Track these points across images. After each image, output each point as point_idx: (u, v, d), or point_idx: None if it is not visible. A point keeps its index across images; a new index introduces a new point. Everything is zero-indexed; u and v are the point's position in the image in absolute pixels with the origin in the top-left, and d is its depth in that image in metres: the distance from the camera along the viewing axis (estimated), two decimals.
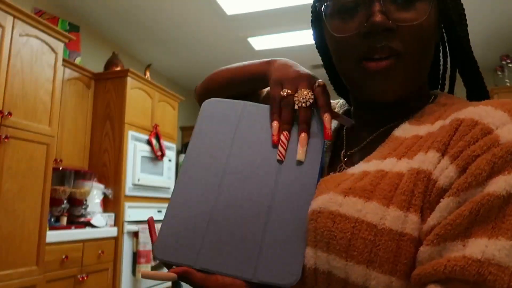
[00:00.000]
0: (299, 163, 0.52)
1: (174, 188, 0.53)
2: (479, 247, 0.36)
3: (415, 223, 0.41)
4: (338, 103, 0.70)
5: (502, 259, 0.35)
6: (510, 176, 0.38)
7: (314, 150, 0.53)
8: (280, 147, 0.53)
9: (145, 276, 0.45)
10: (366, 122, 0.57)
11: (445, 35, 0.58)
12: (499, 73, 4.36)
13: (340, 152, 0.58)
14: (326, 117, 0.52)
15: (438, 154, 0.42)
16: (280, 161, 0.53)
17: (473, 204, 0.38)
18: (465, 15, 0.54)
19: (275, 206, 0.50)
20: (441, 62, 0.62)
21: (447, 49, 0.59)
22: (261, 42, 4.18)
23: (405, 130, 0.50)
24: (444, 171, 0.41)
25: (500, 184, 0.37)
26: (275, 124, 0.54)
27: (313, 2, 0.58)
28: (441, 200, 0.40)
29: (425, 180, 0.42)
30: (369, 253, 0.41)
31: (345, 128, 0.61)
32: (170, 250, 0.49)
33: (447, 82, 0.62)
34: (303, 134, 0.52)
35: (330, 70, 0.67)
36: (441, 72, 0.62)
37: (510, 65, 4.20)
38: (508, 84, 4.19)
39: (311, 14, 0.60)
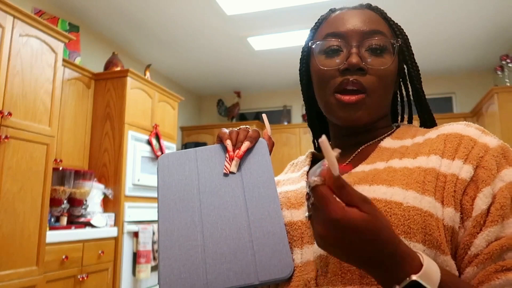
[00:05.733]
0: (231, 173, 0.62)
1: (159, 234, 0.59)
2: None
3: (430, 203, 0.52)
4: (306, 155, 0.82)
5: None
6: (510, 169, 0.53)
7: (264, 164, 0.63)
8: (226, 163, 0.63)
9: (323, 143, 0.40)
10: (343, 147, 0.70)
11: (403, 82, 0.75)
12: (499, 73, 4.36)
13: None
14: (246, 143, 0.64)
15: (438, 156, 0.56)
16: (226, 174, 0.63)
17: (508, 191, 0.51)
18: (418, 68, 0.70)
19: (252, 219, 0.58)
20: (399, 99, 0.79)
21: (406, 92, 0.75)
22: (261, 42, 4.18)
23: (391, 143, 0.64)
24: (461, 169, 0.54)
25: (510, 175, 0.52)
26: (228, 141, 0.64)
27: (306, 42, 0.72)
28: (482, 190, 0.52)
29: (433, 173, 0.54)
30: (403, 225, 0.50)
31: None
32: (176, 283, 0.55)
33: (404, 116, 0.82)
34: (242, 145, 0.63)
35: (308, 105, 0.79)
36: (400, 110, 0.79)
37: (510, 65, 4.20)
38: (508, 84, 4.19)
39: (301, 53, 0.74)
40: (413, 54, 0.71)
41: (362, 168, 0.61)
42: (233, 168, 0.63)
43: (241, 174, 0.63)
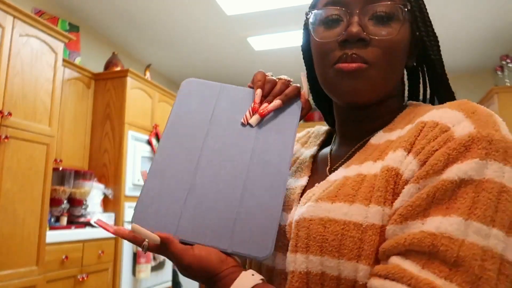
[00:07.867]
0: (249, 125, 0.57)
1: (153, 161, 0.54)
2: (434, 223, 0.43)
3: (390, 216, 0.47)
4: (313, 131, 0.77)
5: (453, 233, 0.41)
6: (463, 164, 0.44)
7: (288, 131, 0.57)
8: (247, 112, 0.57)
9: (135, 229, 0.48)
10: (348, 137, 0.63)
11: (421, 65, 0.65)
12: (499, 73, 4.36)
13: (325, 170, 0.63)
14: (276, 102, 0.58)
15: (405, 153, 0.49)
16: (243, 125, 0.57)
17: (430, 188, 0.44)
18: (437, 40, 0.60)
19: (250, 183, 0.52)
20: (421, 85, 0.68)
21: (425, 73, 0.64)
22: (261, 42, 4.18)
23: (379, 137, 0.56)
24: (408, 165, 0.47)
25: (453, 171, 0.44)
26: (259, 91, 0.58)
27: (308, 9, 0.64)
28: (402, 190, 0.47)
29: (394, 176, 0.48)
30: (358, 249, 0.46)
31: (330, 148, 0.66)
32: (149, 217, 0.51)
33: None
34: (271, 103, 0.58)
35: (312, 84, 0.72)
36: (421, 93, 0.68)
37: (510, 65, 4.20)
38: (508, 84, 4.19)
39: (303, 27, 0.66)
40: (429, 20, 0.60)
41: (335, 176, 0.55)
42: (253, 121, 0.57)
43: (258, 131, 0.56)
